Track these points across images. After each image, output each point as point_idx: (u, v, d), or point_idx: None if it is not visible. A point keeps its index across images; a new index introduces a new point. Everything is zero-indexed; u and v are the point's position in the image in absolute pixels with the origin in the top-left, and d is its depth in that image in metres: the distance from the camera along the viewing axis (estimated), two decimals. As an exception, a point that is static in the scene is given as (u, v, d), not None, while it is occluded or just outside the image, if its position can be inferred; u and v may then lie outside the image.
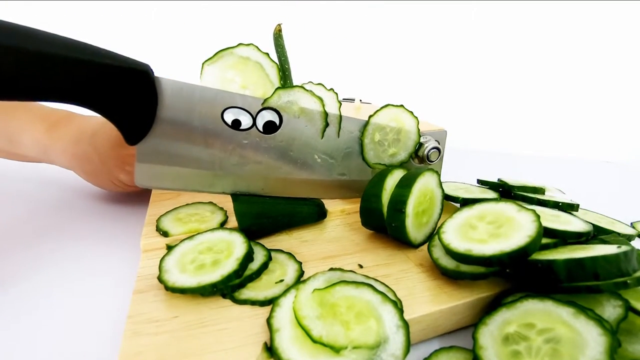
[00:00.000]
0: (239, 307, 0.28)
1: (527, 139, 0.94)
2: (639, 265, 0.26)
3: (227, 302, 0.28)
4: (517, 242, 0.27)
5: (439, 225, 0.36)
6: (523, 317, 0.24)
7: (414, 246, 0.36)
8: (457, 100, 0.98)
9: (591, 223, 0.38)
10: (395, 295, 0.28)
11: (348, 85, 0.84)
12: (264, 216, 0.38)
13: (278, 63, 0.41)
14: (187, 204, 0.44)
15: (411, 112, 0.43)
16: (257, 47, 0.38)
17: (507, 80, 0.96)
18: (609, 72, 0.91)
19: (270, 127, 0.38)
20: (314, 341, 0.23)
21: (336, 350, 0.23)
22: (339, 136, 0.42)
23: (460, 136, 0.69)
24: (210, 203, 0.44)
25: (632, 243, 0.39)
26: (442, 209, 0.38)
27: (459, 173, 0.61)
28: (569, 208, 0.40)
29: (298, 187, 0.41)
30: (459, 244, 0.29)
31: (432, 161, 0.45)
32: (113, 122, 0.32)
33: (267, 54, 0.39)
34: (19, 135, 0.46)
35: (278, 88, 0.38)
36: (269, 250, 0.33)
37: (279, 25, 0.42)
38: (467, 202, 0.41)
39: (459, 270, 0.30)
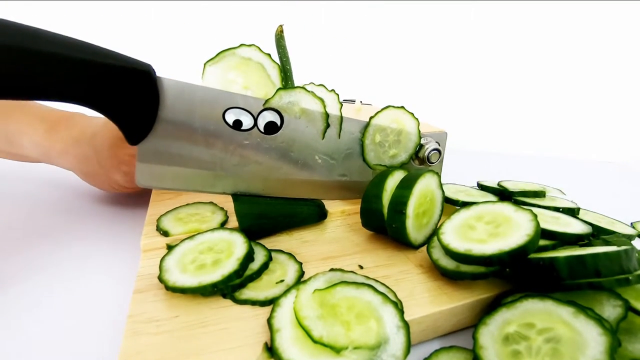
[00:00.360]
0: (240, 307, 0.28)
1: (527, 139, 0.94)
2: (639, 265, 0.26)
3: (228, 302, 0.28)
4: (516, 241, 0.27)
5: (437, 226, 0.36)
6: (523, 317, 0.25)
7: (414, 247, 0.36)
8: (457, 102, 0.98)
9: (591, 223, 0.38)
10: (395, 296, 0.28)
11: (349, 86, 0.84)
12: (264, 217, 0.38)
13: (280, 64, 0.41)
14: (187, 204, 0.44)
15: (412, 114, 0.44)
16: (259, 47, 0.38)
17: (507, 81, 0.96)
18: (609, 72, 0.91)
19: (271, 128, 0.38)
20: (315, 341, 0.23)
21: (337, 350, 0.23)
22: (339, 137, 0.42)
23: (460, 137, 0.69)
24: (211, 203, 0.44)
25: (633, 243, 0.39)
26: (442, 211, 0.38)
27: (459, 174, 0.62)
28: (569, 213, 0.40)
29: (298, 187, 0.41)
30: (459, 245, 0.29)
31: (433, 162, 0.45)
32: (115, 121, 0.32)
33: (269, 55, 0.39)
34: (18, 137, 0.46)
35: (279, 89, 0.38)
36: (269, 251, 0.34)
37: (281, 26, 0.42)
38: (466, 206, 0.41)
39: (459, 271, 0.30)
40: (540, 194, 0.46)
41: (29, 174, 0.61)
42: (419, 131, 0.44)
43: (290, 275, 0.31)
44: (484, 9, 0.92)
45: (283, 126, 0.39)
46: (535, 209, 0.38)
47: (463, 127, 0.81)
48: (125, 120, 0.32)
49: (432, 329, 0.29)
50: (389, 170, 0.39)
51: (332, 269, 0.31)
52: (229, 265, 0.29)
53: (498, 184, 0.49)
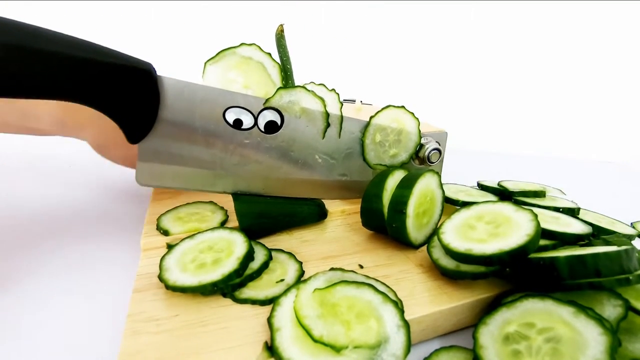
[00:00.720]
0: (240, 306, 0.28)
1: (527, 139, 0.94)
2: (639, 265, 0.26)
3: (228, 301, 0.28)
4: (516, 240, 0.27)
5: (437, 226, 0.36)
6: (523, 317, 0.25)
7: (415, 247, 0.36)
8: (457, 102, 0.98)
9: (591, 223, 0.38)
10: (395, 295, 0.28)
11: (349, 86, 0.84)
12: (264, 216, 0.38)
13: (280, 63, 0.41)
14: (187, 203, 0.44)
15: (412, 113, 0.44)
16: (259, 47, 0.38)
17: (507, 81, 0.96)
18: (609, 72, 0.91)
19: (271, 127, 0.38)
20: (315, 340, 0.23)
21: (337, 349, 0.23)
22: (340, 137, 0.42)
23: (460, 137, 0.69)
24: (211, 202, 0.44)
25: (633, 243, 0.39)
26: (442, 210, 0.38)
27: (459, 174, 0.62)
28: (569, 213, 0.40)
29: (299, 187, 0.41)
30: (459, 244, 0.29)
31: (433, 162, 0.45)
32: (115, 120, 0.32)
33: (269, 54, 0.39)
34: (33, 109, 0.44)
35: (280, 88, 0.38)
36: (269, 250, 0.33)
37: (281, 25, 0.42)
38: (466, 206, 0.41)
39: (459, 270, 0.30)
40: (540, 194, 0.46)
41: (29, 174, 0.61)
42: (419, 131, 0.44)
43: (291, 274, 0.31)
44: (484, 9, 0.92)
45: (283, 125, 0.39)
46: (535, 209, 0.38)
47: (463, 127, 0.81)
48: (125, 119, 0.32)
49: (432, 328, 0.29)
50: (389, 169, 0.39)
51: (332, 269, 0.31)
52: (229, 264, 0.29)
53: (498, 184, 0.49)
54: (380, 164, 0.44)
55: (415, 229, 0.35)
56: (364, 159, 0.43)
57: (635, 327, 0.26)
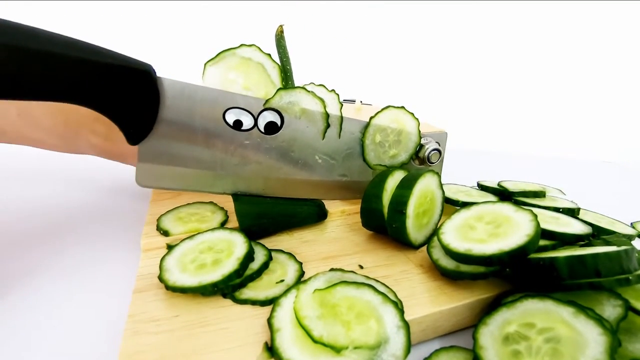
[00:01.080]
0: (240, 306, 0.28)
1: (527, 139, 0.94)
2: (639, 265, 0.26)
3: (228, 301, 0.28)
4: (516, 241, 0.27)
5: (437, 226, 0.36)
6: (523, 317, 0.25)
7: (415, 247, 0.36)
8: (457, 102, 0.98)
9: (591, 223, 0.38)
10: (395, 295, 0.28)
11: (349, 86, 0.84)
12: (264, 216, 0.38)
13: (280, 64, 0.41)
14: (187, 204, 0.44)
15: (412, 114, 0.44)
16: (259, 48, 0.38)
17: (507, 81, 0.96)
18: (608, 72, 0.91)
19: (271, 128, 0.38)
20: (315, 341, 0.23)
21: (337, 350, 0.23)
22: (340, 137, 0.42)
23: (460, 137, 0.69)
24: (211, 203, 0.44)
25: (633, 243, 0.39)
26: (442, 210, 0.38)
27: (459, 174, 0.62)
28: (569, 213, 0.40)
29: (299, 187, 0.41)
30: (459, 244, 0.29)
31: (433, 162, 0.45)
32: (115, 121, 0.32)
33: (269, 55, 0.39)
34: (32, 111, 0.43)
35: (280, 89, 0.38)
36: (269, 250, 0.34)
37: (281, 26, 0.42)
38: (466, 206, 0.41)
39: (459, 271, 0.30)
40: (540, 194, 0.46)
41: (28, 174, 0.61)
42: (419, 131, 0.44)
43: (291, 275, 0.31)
44: (484, 9, 0.92)
45: (283, 126, 0.39)
46: (535, 209, 0.38)
47: (463, 127, 0.81)
48: (125, 120, 0.32)
49: (432, 328, 0.29)
50: (389, 170, 0.39)
51: (332, 269, 0.31)
52: (229, 264, 0.29)
53: (498, 184, 0.49)
54: (380, 165, 0.44)
55: (415, 229, 0.35)
56: (364, 160, 0.43)
57: (635, 327, 0.26)
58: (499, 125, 0.95)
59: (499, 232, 0.29)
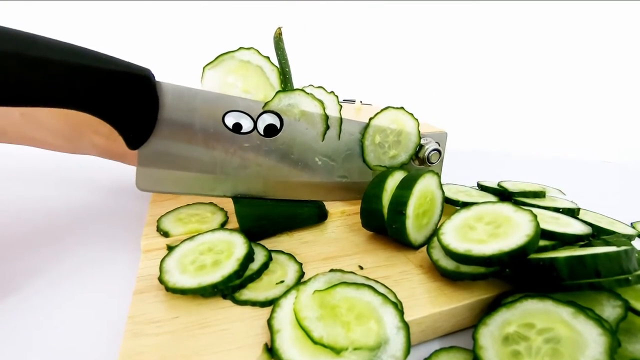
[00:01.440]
0: (240, 307, 0.28)
1: (527, 139, 0.94)
2: (639, 265, 0.26)
3: (228, 302, 0.28)
4: (516, 241, 0.27)
5: (437, 226, 0.36)
6: (523, 317, 0.25)
7: (414, 248, 0.36)
8: (457, 102, 0.98)
9: (591, 223, 0.38)
10: (395, 296, 0.28)
11: (349, 86, 0.84)
12: (265, 218, 0.38)
13: (279, 66, 0.41)
14: (187, 205, 0.44)
15: (411, 114, 0.44)
16: (257, 50, 0.38)
17: (507, 81, 0.96)
18: (608, 72, 0.91)
19: (271, 131, 0.38)
20: (315, 342, 0.23)
21: (337, 351, 0.23)
22: (339, 138, 0.42)
23: (460, 137, 0.69)
24: (211, 204, 0.44)
25: (633, 243, 0.39)
26: (442, 211, 0.38)
27: (459, 174, 0.62)
28: (569, 213, 0.40)
29: (299, 189, 0.41)
30: (459, 245, 0.29)
31: (433, 163, 0.45)
32: (114, 126, 0.32)
33: (268, 58, 0.39)
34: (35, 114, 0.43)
35: (279, 91, 0.38)
36: (269, 251, 0.34)
37: (279, 28, 0.42)
38: (466, 206, 0.42)
39: (459, 271, 0.30)
40: (540, 194, 0.46)
41: (28, 175, 0.61)
42: (419, 132, 0.44)
43: (290, 275, 0.31)
44: (484, 9, 0.92)
45: (283, 128, 0.39)
46: (535, 210, 0.38)
47: (463, 127, 0.81)
48: (125, 125, 0.32)
49: (432, 329, 0.29)
50: (389, 170, 0.39)
51: (332, 270, 0.31)
52: (229, 265, 0.29)
53: (498, 184, 0.49)
54: (380, 165, 0.44)
55: (415, 230, 0.35)
56: (364, 161, 0.43)
57: (634, 328, 0.26)
58: (499, 125, 0.95)
59: (499, 232, 0.29)
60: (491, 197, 0.45)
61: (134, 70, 0.31)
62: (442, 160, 0.50)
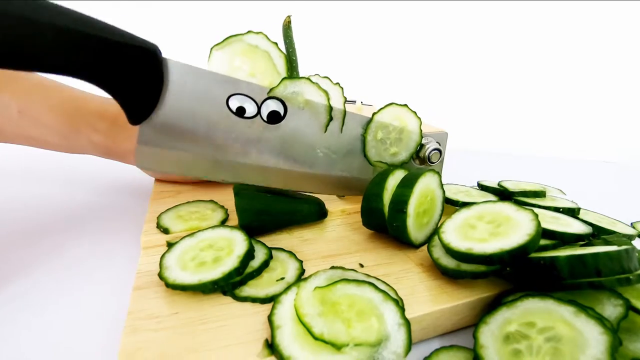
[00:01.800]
0: (240, 304, 0.28)
1: (527, 139, 0.94)
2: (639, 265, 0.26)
3: (228, 299, 0.28)
4: (517, 240, 0.27)
5: (438, 226, 0.36)
6: (524, 316, 0.25)
7: (415, 246, 0.36)
8: (457, 102, 0.98)
9: (592, 223, 0.38)
10: (396, 294, 0.28)
11: (349, 87, 0.84)
12: (265, 213, 0.38)
13: (286, 54, 0.41)
14: (188, 202, 0.44)
15: (415, 112, 0.44)
16: (266, 36, 0.38)
17: (507, 81, 0.96)
18: (608, 72, 0.91)
19: (274, 117, 0.38)
20: (315, 338, 0.23)
21: (337, 347, 0.23)
22: (342, 132, 0.42)
23: (460, 137, 0.69)
24: (211, 201, 0.44)
25: (633, 243, 0.39)
26: (442, 210, 0.38)
27: (459, 174, 0.62)
28: (570, 213, 0.40)
29: (299, 180, 0.41)
30: (460, 243, 0.29)
31: (433, 162, 0.45)
32: (117, 99, 0.31)
33: (276, 44, 0.39)
34: (76, 135, 0.44)
35: (284, 78, 0.38)
36: (269, 249, 0.33)
37: (289, 16, 0.42)
38: (467, 206, 0.42)
39: (460, 270, 0.30)
40: (540, 194, 0.46)
41: (28, 172, 0.61)
42: (421, 130, 0.44)
43: (291, 273, 0.31)
44: (484, 9, 0.92)
45: (286, 116, 0.38)
46: (535, 209, 0.38)
47: (463, 127, 0.81)
48: (127, 98, 0.32)
49: (432, 327, 0.29)
50: (389, 169, 0.39)
51: (332, 267, 0.31)
52: (230, 262, 0.29)
53: (498, 184, 0.49)
54: (381, 162, 0.44)
55: (415, 229, 0.35)
56: (365, 156, 0.43)
57: (635, 327, 0.26)
58: (499, 125, 0.95)
59: (500, 231, 0.29)
60: (491, 197, 0.45)
61: (142, 44, 0.31)
62: (442, 160, 0.50)
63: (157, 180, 0.52)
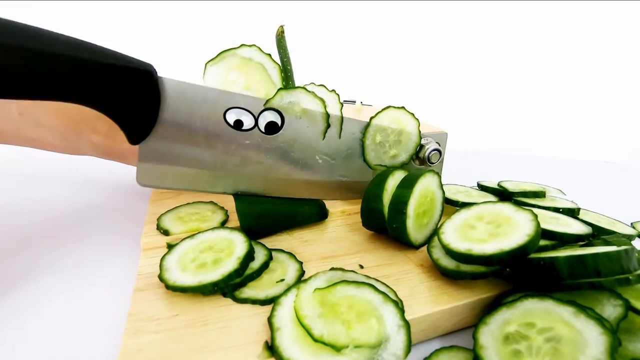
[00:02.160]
0: (240, 306, 0.28)
1: (527, 139, 0.94)
2: (639, 265, 0.26)
3: (228, 301, 0.28)
4: (516, 240, 0.27)
5: (437, 226, 0.36)
6: (523, 317, 0.25)
7: (415, 247, 0.36)
8: (457, 102, 0.98)
9: (591, 223, 0.38)
10: (396, 295, 0.28)
11: (349, 87, 0.84)
12: (265, 216, 0.38)
13: (280, 64, 0.41)
14: (188, 203, 0.44)
15: (412, 114, 0.44)
16: (259, 48, 0.38)
17: (507, 81, 0.96)
18: (608, 72, 0.91)
19: (272, 128, 0.38)
20: (315, 340, 0.23)
21: (337, 349, 0.23)
22: (340, 137, 0.42)
23: (460, 138, 0.69)
24: (211, 202, 0.44)
25: (633, 243, 0.39)
26: (442, 211, 0.38)
27: (459, 175, 0.62)
28: (569, 213, 0.40)
29: (299, 187, 0.41)
30: (459, 244, 0.29)
31: (433, 163, 0.45)
32: (116, 121, 0.32)
33: (270, 55, 0.39)
34: (76, 136, 0.43)
35: (280, 89, 0.38)
36: (269, 250, 0.34)
37: (282, 26, 0.42)
38: (466, 206, 0.42)
39: (460, 270, 0.30)
40: (540, 195, 0.46)
41: (28, 173, 0.61)
42: (420, 131, 0.44)
43: (291, 274, 0.31)
44: (484, 9, 0.92)
45: (284, 126, 0.39)
46: (535, 210, 0.38)
47: (463, 127, 0.81)
48: (126, 119, 0.32)
49: (432, 328, 0.29)
50: (389, 170, 0.39)
51: (332, 268, 0.31)
52: (230, 264, 0.29)
53: (498, 184, 0.49)
54: (381, 165, 0.44)
55: (415, 229, 0.35)
56: (364, 160, 0.43)
57: (635, 327, 0.26)
58: (499, 126, 0.95)
59: (500, 232, 0.29)
60: (491, 197, 0.45)
61: (137, 65, 0.31)
62: (442, 160, 0.50)
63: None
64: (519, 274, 0.29)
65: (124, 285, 0.34)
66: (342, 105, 0.42)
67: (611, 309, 0.25)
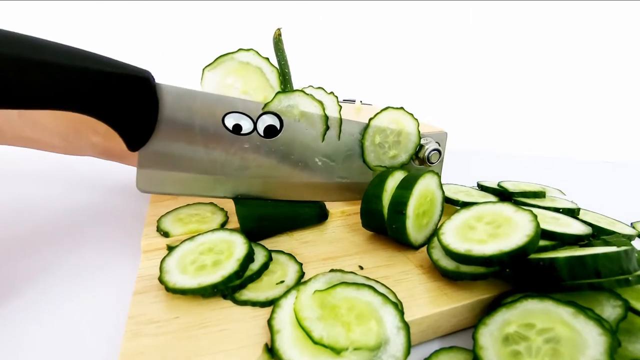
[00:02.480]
0: (240, 308, 0.28)
1: (527, 139, 0.94)
2: (639, 265, 0.26)
3: (228, 303, 0.28)
4: (516, 241, 0.27)
5: (437, 227, 0.36)
6: (523, 317, 0.25)
7: (415, 248, 0.36)
8: (457, 102, 0.98)
9: (591, 224, 0.38)
10: (395, 296, 0.28)
11: (349, 86, 0.84)
12: (266, 218, 0.38)
13: (278, 67, 0.41)
14: (187, 205, 0.44)
15: (411, 115, 0.44)
16: (257, 52, 0.38)
17: (507, 81, 0.96)
18: (608, 72, 0.91)
19: (271, 131, 0.38)
20: (315, 342, 0.23)
21: (337, 351, 0.23)
22: (339, 139, 0.42)
23: (460, 137, 0.69)
24: (211, 204, 0.44)
25: (633, 243, 0.39)
26: (442, 211, 0.38)
27: (459, 174, 0.62)
28: (569, 213, 0.40)
29: (299, 190, 0.42)
30: (459, 245, 0.29)
31: (433, 163, 0.45)
32: (114, 128, 0.32)
33: (267, 59, 0.39)
34: (75, 137, 0.43)
35: (278, 92, 0.38)
36: (269, 251, 0.34)
37: (279, 29, 0.42)
38: (466, 206, 0.42)
39: (459, 271, 0.30)
40: (540, 195, 0.46)
41: (28, 175, 0.61)
42: (419, 132, 0.44)
43: (291, 276, 0.31)
44: (484, 9, 0.92)
45: (283, 129, 0.39)
46: (535, 210, 0.38)
47: (463, 127, 0.81)
48: (125, 127, 0.32)
49: (432, 329, 0.29)
50: (389, 170, 0.39)
51: (332, 270, 0.31)
52: (229, 266, 0.29)
53: (498, 185, 0.49)
54: (380, 166, 0.44)
55: (415, 230, 0.35)
56: (364, 161, 0.43)
57: (634, 328, 0.26)
58: (499, 125, 0.95)
59: (499, 232, 0.29)
60: (491, 197, 0.45)
61: (134, 72, 0.31)
62: (442, 160, 0.50)
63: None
64: (518, 275, 0.29)
65: (124, 287, 0.34)
66: (341, 107, 0.42)
67: (611, 310, 0.25)
